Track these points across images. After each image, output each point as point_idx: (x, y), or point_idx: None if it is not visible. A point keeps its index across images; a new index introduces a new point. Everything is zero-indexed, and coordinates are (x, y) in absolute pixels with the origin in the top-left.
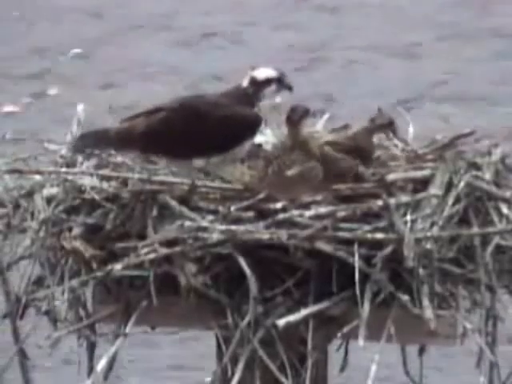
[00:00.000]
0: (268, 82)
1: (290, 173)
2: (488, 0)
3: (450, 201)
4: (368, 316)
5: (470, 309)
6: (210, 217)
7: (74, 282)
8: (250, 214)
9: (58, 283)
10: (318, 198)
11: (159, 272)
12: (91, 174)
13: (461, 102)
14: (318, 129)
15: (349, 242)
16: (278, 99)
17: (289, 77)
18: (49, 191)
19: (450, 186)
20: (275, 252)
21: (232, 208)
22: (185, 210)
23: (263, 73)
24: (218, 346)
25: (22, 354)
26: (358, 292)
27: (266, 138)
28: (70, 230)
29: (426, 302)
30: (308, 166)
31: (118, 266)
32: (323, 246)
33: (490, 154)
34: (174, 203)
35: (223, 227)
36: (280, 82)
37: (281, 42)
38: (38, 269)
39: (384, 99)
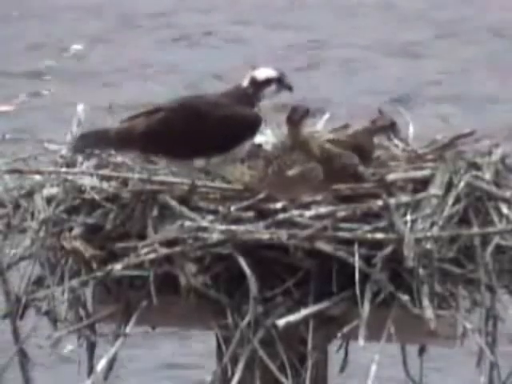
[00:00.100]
0: (268, 81)
1: (290, 173)
2: None
3: (450, 201)
4: (368, 316)
5: (469, 309)
6: (210, 217)
7: (74, 282)
8: (250, 214)
9: (58, 283)
10: (318, 198)
11: (159, 272)
12: (91, 174)
13: (460, 101)
14: (318, 129)
15: (349, 242)
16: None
17: (288, 77)
18: (49, 191)
19: (450, 186)
20: (275, 252)
21: (232, 208)
22: (185, 210)
23: (263, 73)
24: (218, 345)
25: (22, 354)
26: (358, 292)
27: (267, 137)
28: (70, 230)
29: (426, 301)
30: (308, 166)
31: (118, 266)
32: (323, 245)
33: (490, 153)
34: (174, 203)
35: (223, 227)
36: (280, 82)
37: (279, 41)
38: (38, 269)
39: (382, 98)
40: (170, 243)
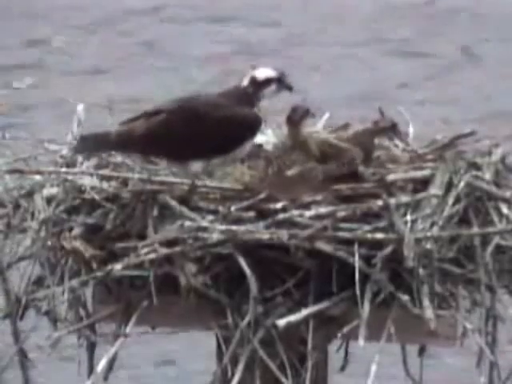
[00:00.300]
0: (268, 81)
1: (290, 173)
2: None
3: (450, 201)
4: (368, 316)
5: (470, 309)
6: (210, 217)
7: (74, 282)
8: (250, 214)
9: (58, 283)
10: (318, 198)
11: (159, 272)
12: (91, 174)
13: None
14: (318, 129)
15: (349, 242)
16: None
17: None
18: (49, 191)
19: (449, 186)
20: (275, 252)
21: (232, 208)
22: (185, 210)
23: (263, 73)
24: (218, 345)
25: (22, 354)
26: (358, 292)
27: (267, 138)
28: (70, 230)
29: (426, 302)
30: (308, 167)
31: (118, 266)
32: (323, 245)
33: (490, 154)
34: (174, 203)
35: (223, 227)
36: (280, 82)
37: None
38: (38, 269)
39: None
40: (170, 243)
